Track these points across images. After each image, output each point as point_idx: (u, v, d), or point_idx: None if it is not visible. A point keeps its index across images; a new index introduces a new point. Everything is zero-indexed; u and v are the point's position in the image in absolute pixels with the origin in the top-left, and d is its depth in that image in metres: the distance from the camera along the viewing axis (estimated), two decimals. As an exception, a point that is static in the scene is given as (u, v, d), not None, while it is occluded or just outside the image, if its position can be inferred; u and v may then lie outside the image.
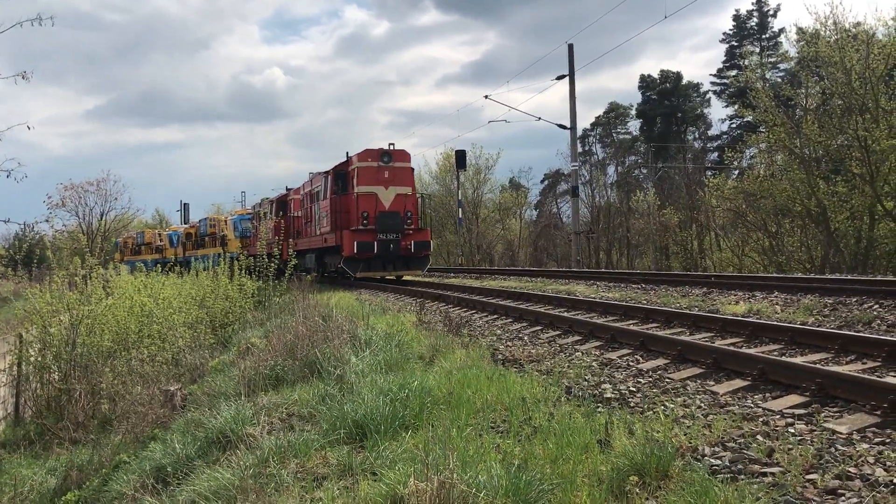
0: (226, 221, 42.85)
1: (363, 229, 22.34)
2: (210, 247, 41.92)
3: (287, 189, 33.65)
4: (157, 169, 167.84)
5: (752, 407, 5.30)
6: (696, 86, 59.90)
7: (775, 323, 8.66)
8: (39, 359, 12.32)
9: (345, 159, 24.68)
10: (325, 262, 26.30)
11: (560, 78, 32.55)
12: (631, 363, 7.29)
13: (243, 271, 18.82)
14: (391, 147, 23.36)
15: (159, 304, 14.61)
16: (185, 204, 77.81)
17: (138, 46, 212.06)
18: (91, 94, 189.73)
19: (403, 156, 23.68)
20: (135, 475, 6.58)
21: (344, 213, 23.24)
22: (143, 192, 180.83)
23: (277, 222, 31.86)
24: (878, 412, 4.80)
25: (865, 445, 4.23)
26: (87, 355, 12.07)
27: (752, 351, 7.12)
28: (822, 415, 4.94)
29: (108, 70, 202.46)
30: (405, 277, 24.36)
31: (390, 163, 23.00)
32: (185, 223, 63.29)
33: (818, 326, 8.50)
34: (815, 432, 4.54)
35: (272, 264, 17.99)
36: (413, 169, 24.42)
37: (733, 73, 53.30)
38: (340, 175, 24.35)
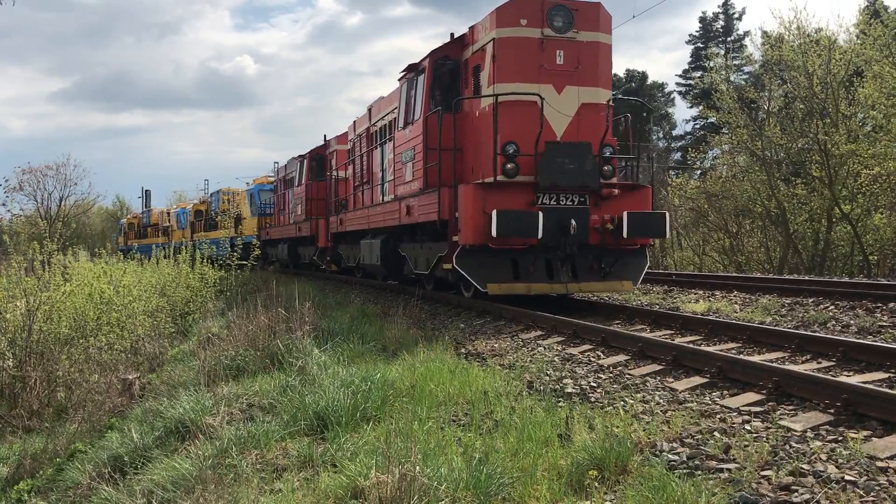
0: (243, 194, 34.25)
1: (506, 182, 10.33)
2: (222, 228, 32.63)
3: (325, 139, 22.27)
4: (119, 153, 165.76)
5: (710, 404, 5.37)
6: (661, 85, 60.58)
7: (734, 322, 8.82)
8: (-7, 345, 12.06)
9: (454, 37, 12.06)
10: (403, 257, 13.76)
11: (528, 73, 32.32)
12: (592, 359, 7.34)
13: (205, 259, 18.53)
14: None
15: (119, 292, 14.38)
16: (146, 190, 76.46)
17: (106, 28, 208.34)
18: (55, 75, 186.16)
19: (595, 17, 10.91)
20: (91, 464, 6.47)
21: (457, 149, 11.15)
22: (103, 177, 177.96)
23: (309, 189, 22.16)
24: (832, 410, 4.89)
25: (819, 443, 4.31)
26: (43, 342, 11.84)
27: (711, 349, 7.23)
28: (778, 412, 5.03)
29: (74, 52, 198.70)
30: (587, 294, 11.87)
31: (568, 32, 10.64)
32: (146, 209, 61.67)
33: (776, 326, 8.66)
34: (771, 429, 4.62)
35: (234, 254, 17.70)
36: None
37: (698, 74, 53.89)
38: (450, 68, 11.99)
